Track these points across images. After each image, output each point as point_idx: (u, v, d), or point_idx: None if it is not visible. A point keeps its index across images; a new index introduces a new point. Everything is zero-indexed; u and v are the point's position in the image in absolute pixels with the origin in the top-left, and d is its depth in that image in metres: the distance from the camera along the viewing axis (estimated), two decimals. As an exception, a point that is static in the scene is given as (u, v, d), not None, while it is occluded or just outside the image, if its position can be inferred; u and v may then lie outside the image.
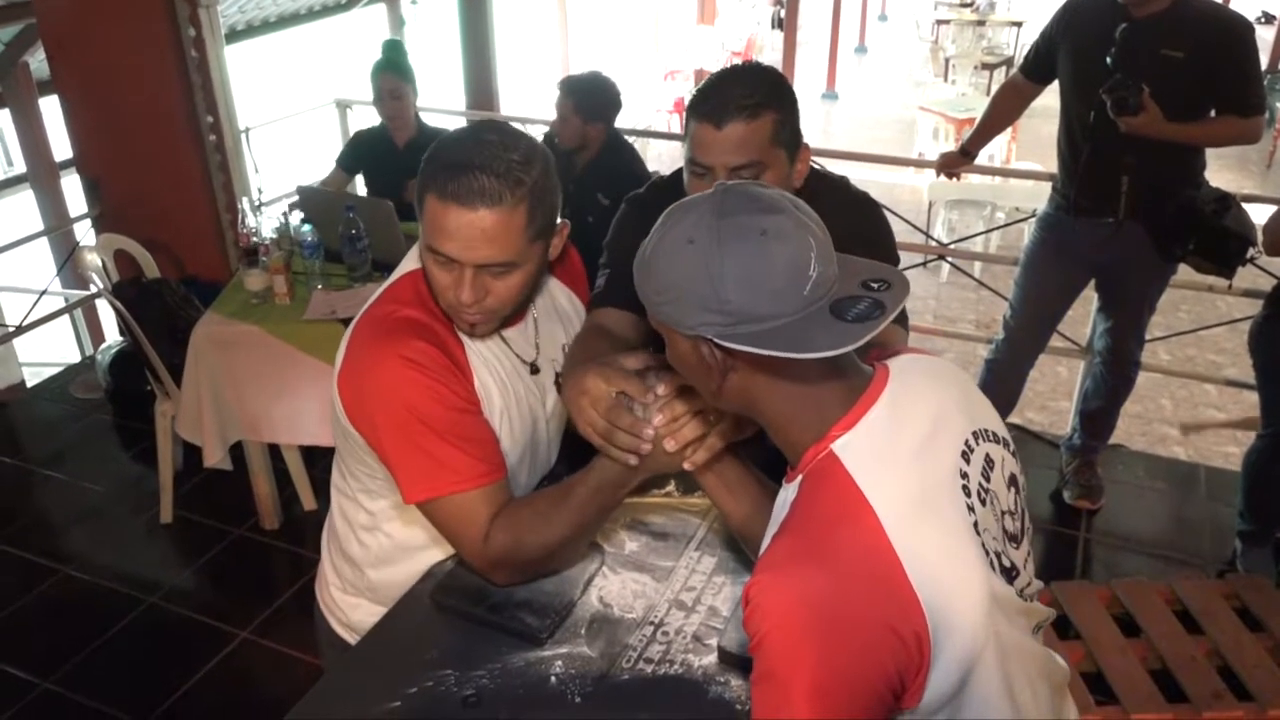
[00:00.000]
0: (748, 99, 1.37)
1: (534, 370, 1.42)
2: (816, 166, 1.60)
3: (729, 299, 0.89)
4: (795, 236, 0.91)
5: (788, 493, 0.98)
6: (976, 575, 0.92)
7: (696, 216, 0.93)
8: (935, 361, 1.08)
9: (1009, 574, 0.98)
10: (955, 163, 3.33)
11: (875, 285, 0.92)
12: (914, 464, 0.94)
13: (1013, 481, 1.05)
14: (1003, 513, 1.01)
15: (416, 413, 1.24)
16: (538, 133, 3.78)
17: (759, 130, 1.38)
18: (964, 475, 0.97)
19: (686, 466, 1.21)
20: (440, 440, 1.24)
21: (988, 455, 1.01)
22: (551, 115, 3.54)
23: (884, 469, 0.93)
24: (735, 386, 0.98)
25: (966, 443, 0.99)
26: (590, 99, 3.39)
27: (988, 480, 1.00)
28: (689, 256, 0.92)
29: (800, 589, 0.87)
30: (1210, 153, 2.82)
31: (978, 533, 0.95)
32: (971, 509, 0.95)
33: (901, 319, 1.58)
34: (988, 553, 0.95)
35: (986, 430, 1.03)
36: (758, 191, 0.94)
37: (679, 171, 1.60)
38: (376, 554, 1.44)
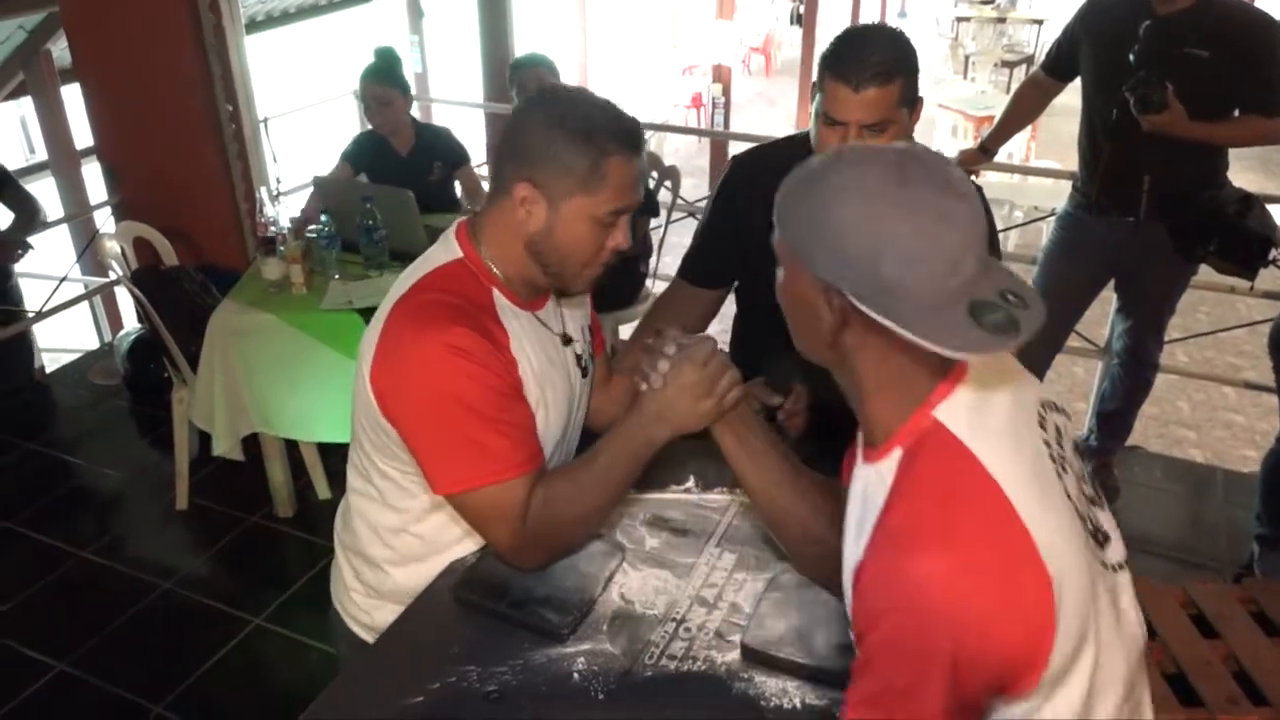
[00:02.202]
0: (881, 65, 1.53)
1: (566, 341, 1.44)
2: None
3: (884, 269, 0.86)
4: (967, 227, 0.87)
5: (882, 468, 0.95)
6: (1081, 547, 0.92)
7: (880, 174, 0.88)
8: None
9: (1099, 539, 0.98)
10: (974, 160, 3.31)
11: (1011, 298, 0.88)
12: (1011, 434, 0.94)
13: (1076, 449, 1.05)
14: (1078, 478, 1.00)
15: (462, 400, 1.23)
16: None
17: (890, 94, 1.55)
18: (1047, 445, 0.97)
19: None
20: (486, 427, 1.24)
21: (1056, 425, 1.02)
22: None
23: (991, 439, 0.92)
24: (843, 343, 0.95)
25: (1039, 413, 0.99)
26: (548, 59, 3.40)
27: (1063, 449, 1.00)
28: (859, 211, 0.88)
29: (931, 566, 0.84)
30: (1232, 153, 2.79)
31: (1070, 499, 0.94)
32: (1060, 476, 0.95)
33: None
34: (1081, 519, 0.95)
35: (1049, 400, 1.04)
36: (945, 168, 0.91)
37: (792, 138, 1.79)
38: (404, 554, 1.42)
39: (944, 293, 0.86)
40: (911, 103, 1.60)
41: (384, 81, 3.38)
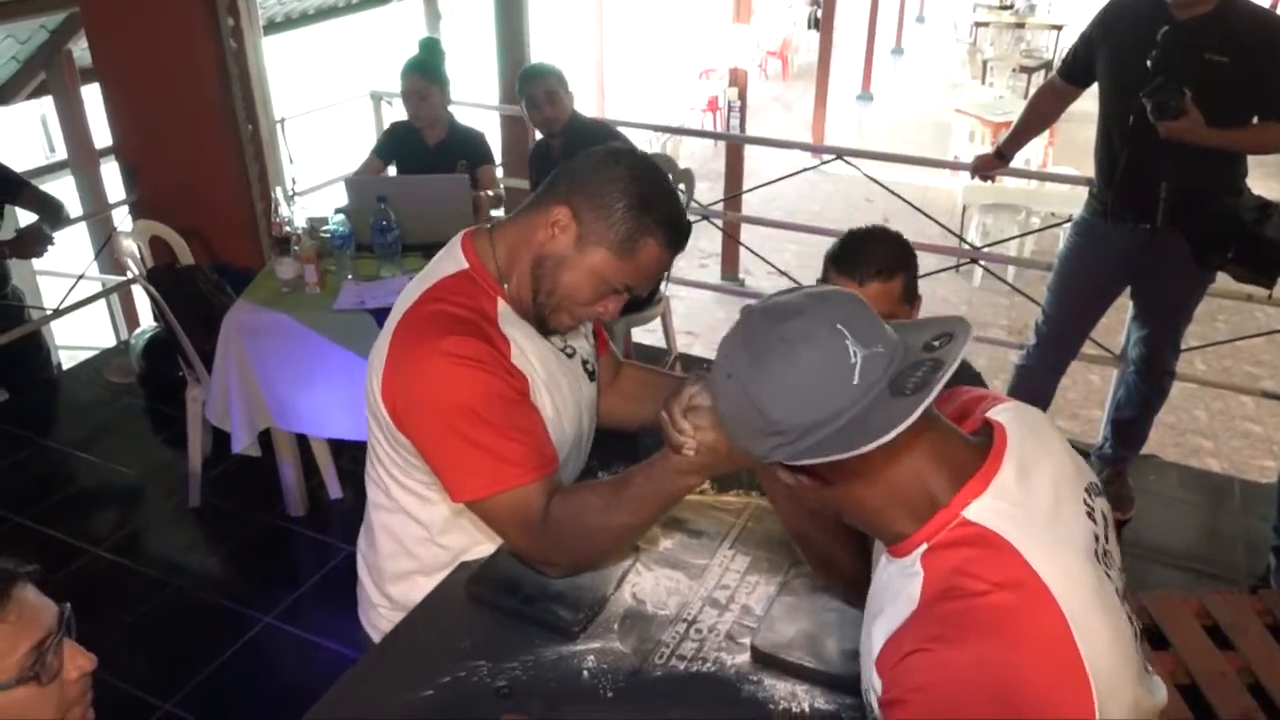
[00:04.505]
0: (885, 262, 1.66)
1: (570, 354, 1.43)
2: None
3: (777, 420, 0.86)
4: (820, 332, 0.86)
5: (907, 567, 0.91)
6: (1129, 670, 0.88)
7: (728, 348, 0.92)
8: (1030, 410, 1.02)
9: (1138, 637, 0.94)
10: (990, 165, 3.29)
11: (937, 343, 0.87)
12: (1056, 527, 0.89)
13: (1114, 532, 1.00)
14: (1119, 568, 0.96)
15: (472, 410, 1.23)
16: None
17: (892, 290, 1.67)
18: (1096, 539, 0.92)
19: None
20: (498, 434, 1.24)
21: (1102, 512, 0.96)
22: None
23: (1033, 534, 0.87)
24: (833, 495, 0.93)
25: (1085, 501, 0.94)
26: (558, 70, 3.41)
27: (1108, 540, 0.95)
28: (732, 391, 0.90)
29: (976, 665, 0.82)
30: (1251, 160, 2.77)
31: (1122, 601, 0.91)
32: (1109, 576, 0.91)
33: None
34: (1131, 622, 0.91)
35: (1094, 484, 0.98)
36: (777, 302, 0.91)
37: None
38: (431, 564, 1.43)
39: (854, 393, 0.84)
40: (911, 300, 1.73)
41: (422, 74, 3.44)
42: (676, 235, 1.29)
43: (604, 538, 1.29)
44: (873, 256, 1.66)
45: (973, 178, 3.44)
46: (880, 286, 1.64)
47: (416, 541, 1.43)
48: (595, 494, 1.28)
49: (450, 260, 1.35)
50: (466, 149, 3.55)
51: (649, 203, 1.25)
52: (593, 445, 1.59)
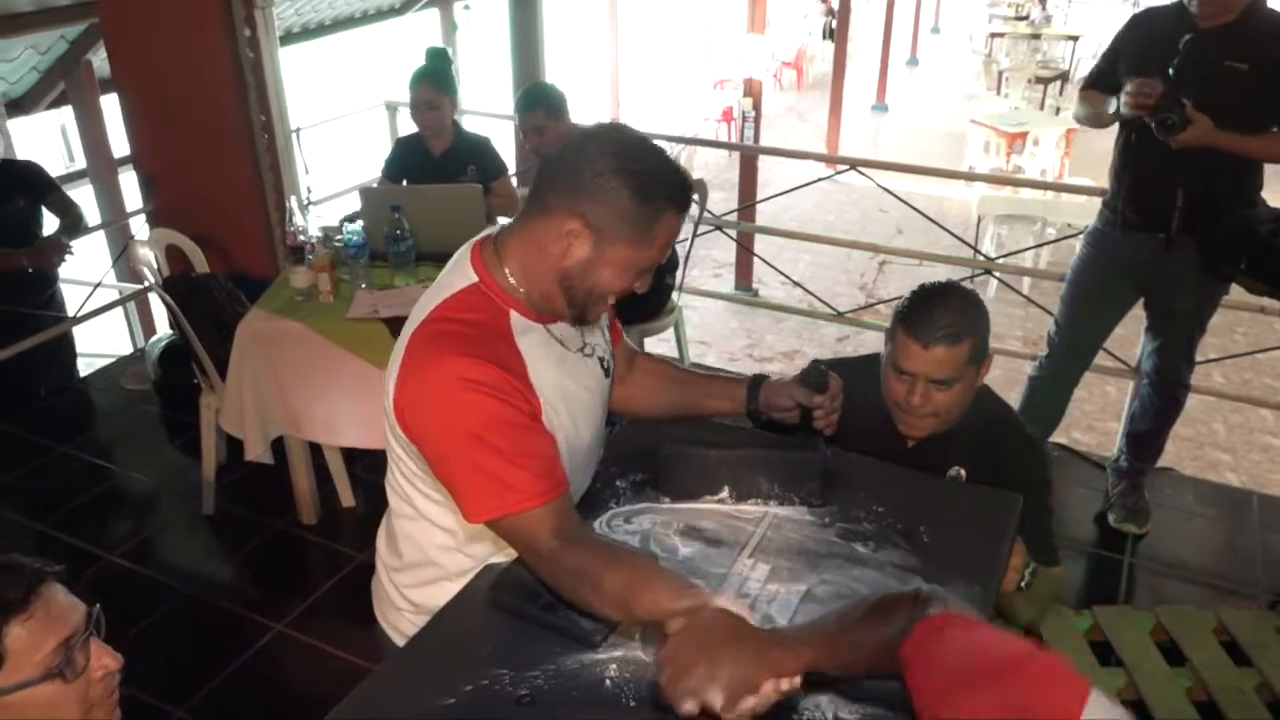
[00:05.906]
0: (952, 326, 1.60)
1: (589, 354, 1.44)
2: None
3: None
4: None
5: None
6: None
7: None
8: None
9: None
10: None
11: None
12: None
13: None
14: None
15: (478, 435, 1.23)
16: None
17: (959, 354, 1.61)
18: None
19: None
20: (503, 460, 1.24)
21: None
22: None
23: None
24: None
25: None
26: (551, 99, 3.36)
27: None
28: None
29: None
30: (1267, 172, 2.75)
31: None
32: None
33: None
34: None
35: None
36: None
37: (860, 360, 1.82)
38: (455, 571, 1.43)
39: None
40: (980, 359, 1.66)
41: (432, 84, 3.47)
42: (685, 199, 1.28)
43: (594, 612, 1.25)
44: (940, 320, 1.60)
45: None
46: (946, 351, 1.60)
47: (441, 550, 1.43)
48: (609, 578, 1.21)
49: (460, 274, 1.35)
50: (474, 155, 3.56)
51: (650, 182, 1.23)
52: (612, 449, 1.61)
